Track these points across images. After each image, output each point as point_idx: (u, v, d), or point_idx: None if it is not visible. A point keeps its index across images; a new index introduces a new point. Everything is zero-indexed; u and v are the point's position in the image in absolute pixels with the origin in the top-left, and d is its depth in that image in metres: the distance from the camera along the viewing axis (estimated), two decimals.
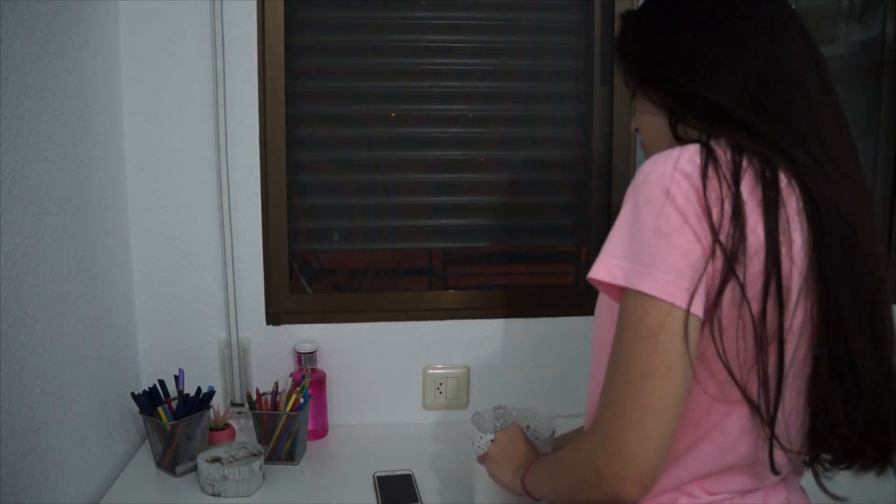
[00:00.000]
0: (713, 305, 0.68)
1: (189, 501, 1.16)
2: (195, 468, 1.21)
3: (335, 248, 1.53)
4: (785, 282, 0.68)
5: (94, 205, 1.22)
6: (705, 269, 0.67)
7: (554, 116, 1.52)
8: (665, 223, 0.67)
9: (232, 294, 1.42)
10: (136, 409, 1.28)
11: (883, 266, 0.74)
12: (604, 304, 0.80)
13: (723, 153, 0.69)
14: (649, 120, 0.84)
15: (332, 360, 1.47)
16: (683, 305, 0.66)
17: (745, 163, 0.69)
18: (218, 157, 1.38)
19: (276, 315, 1.46)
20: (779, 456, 0.74)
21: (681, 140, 0.77)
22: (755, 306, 0.68)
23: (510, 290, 1.54)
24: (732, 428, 0.73)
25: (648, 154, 0.85)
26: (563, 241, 1.58)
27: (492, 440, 0.99)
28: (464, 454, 1.34)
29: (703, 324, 0.68)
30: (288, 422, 1.27)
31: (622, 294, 0.70)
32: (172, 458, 1.23)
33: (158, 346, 1.43)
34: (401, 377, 1.50)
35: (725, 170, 0.68)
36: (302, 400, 1.29)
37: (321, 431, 1.43)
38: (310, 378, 1.37)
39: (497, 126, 1.51)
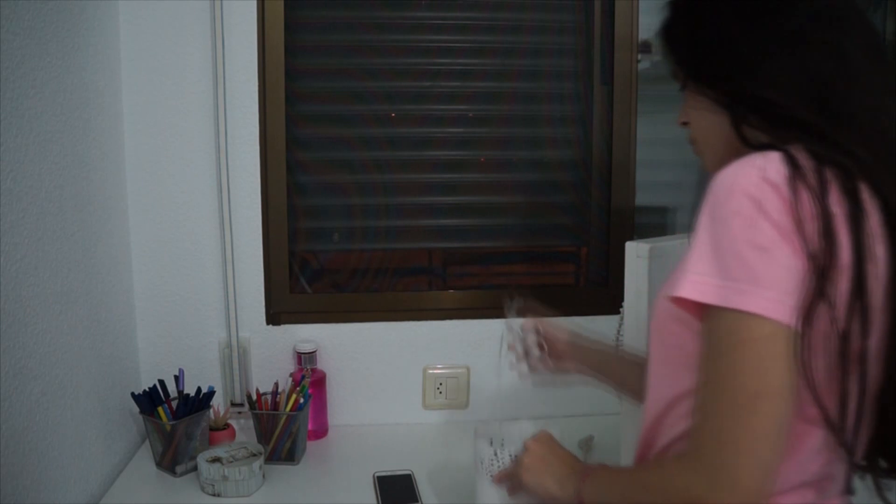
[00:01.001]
0: (804, 323, 0.63)
1: (189, 501, 1.16)
2: (195, 468, 1.21)
3: (335, 248, 1.53)
4: (871, 300, 0.64)
5: (94, 205, 1.22)
6: (803, 285, 0.63)
7: (554, 116, 1.53)
8: (761, 237, 0.62)
9: (232, 294, 1.42)
10: (136, 409, 1.28)
11: None
12: (670, 318, 0.74)
13: (805, 163, 0.65)
14: (704, 117, 0.77)
15: (332, 360, 1.47)
16: (789, 323, 0.62)
17: (828, 173, 0.65)
18: (218, 157, 1.38)
19: (276, 315, 1.46)
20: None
21: (747, 142, 0.71)
22: (842, 325, 0.64)
23: (510, 290, 1.54)
24: (809, 447, 0.69)
25: (702, 152, 0.81)
26: (563, 241, 1.58)
27: (511, 455, 0.94)
28: (464, 454, 1.34)
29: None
30: (288, 422, 1.27)
31: (709, 313, 0.65)
32: (172, 458, 1.23)
33: (158, 346, 1.43)
34: (401, 377, 1.50)
35: (813, 181, 0.63)
36: (302, 400, 1.29)
37: (321, 431, 1.43)
38: (310, 378, 1.37)
39: (497, 126, 1.51)
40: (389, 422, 1.50)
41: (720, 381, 0.64)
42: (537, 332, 1.11)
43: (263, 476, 1.21)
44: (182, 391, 1.31)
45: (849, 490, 0.71)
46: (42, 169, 1.02)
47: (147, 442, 1.32)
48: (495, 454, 0.98)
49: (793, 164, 0.65)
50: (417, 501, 1.16)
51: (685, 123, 0.82)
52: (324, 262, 1.54)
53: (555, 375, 1.11)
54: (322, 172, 1.48)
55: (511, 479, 0.92)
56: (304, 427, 1.33)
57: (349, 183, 1.49)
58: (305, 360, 1.41)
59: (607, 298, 1.49)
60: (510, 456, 0.96)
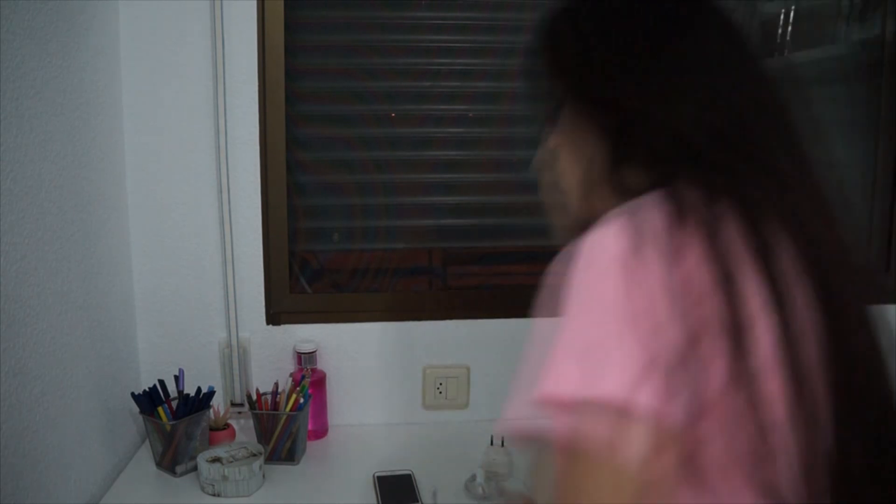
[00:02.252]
0: (707, 399, 0.53)
1: (189, 501, 1.16)
2: (195, 468, 1.21)
3: (335, 248, 1.52)
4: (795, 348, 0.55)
5: (94, 205, 1.22)
6: (689, 361, 0.52)
7: None
8: (627, 315, 0.53)
9: (232, 294, 1.42)
10: (136, 409, 1.28)
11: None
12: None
13: (693, 204, 0.55)
14: (575, 150, 0.66)
15: (332, 360, 1.47)
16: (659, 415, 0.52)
17: (722, 212, 0.55)
18: (218, 158, 1.38)
19: (276, 315, 1.46)
20: None
21: (619, 182, 0.61)
22: (763, 387, 0.54)
23: (510, 290, 1.54)
24: None
25: (565, 197, 0.70)
26: (563, 241, 1.58)
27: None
28: (464, 455, 1.34)
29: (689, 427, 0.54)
30: (288, 422, 1.27)
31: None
32: (172, 458, 1.23)
33: (158, 346, 1.43)
34: (401, 377, 1.50)
35: (701, 227, 0.54)
36: (302, 400, 1.29)
37: (321, 431, 1.42)
38: (310, 378, 1.37)
39: (497, 126, 1.51)
40: (389, 422, 1.50)
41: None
42: None
43: (263, 476, 1.21)
44: (182, 391, 1.31)
45: None
46: (42, 169, 1.02)
47: (147, 442, 1.32)
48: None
49: (679, 206, 0.55)
50: (417, 501, 1.16)
51: (540, 169, 0.72)
52: (324, 262, 1.54)
53: None
54: (322, 172, 1.48)
55: None
56: (304, 427, 1.32)
57: (349, 183, 1.49)
58: (305, 360, 1.41)
59: None
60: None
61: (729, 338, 0.52)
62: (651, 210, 0.56)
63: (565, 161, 0.69)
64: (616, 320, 0.53)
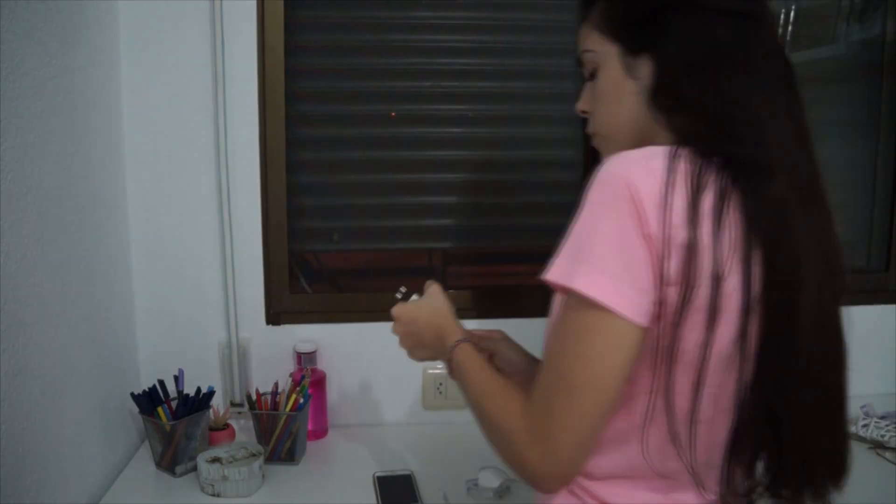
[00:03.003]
0: (668, 325, 0.66)
1: (189, 501, 1.16)
2: (195, 468, 1.21)
3: (335, 248, 1.52)
4: (723, 302, 0.65)
5: (94, 205, 1.22)
6: (657, 282, 0.65)
7: (554, 116, 1.52)
8: (620, 229, 0.65)
9: (232, 294, 1.42)
10: (135, 409, 1.28)
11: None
12: (557, 301, 0.77)
13: (690, 165, 0.66)
14: (622, 103, 0.77)
15: (332, 360, 1.47)
16: (632, 318, 0.65)
17: (708, 177, 0.66)
18: (218, 157, 1.38)
19: (276, 315, 1.46)
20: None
21: (671, 132, 0.73)
22: (700, 333, 0.66)
23: (510, 290, 1.54)
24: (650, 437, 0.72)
25: (605, 145, 0.81)
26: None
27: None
28: (464, 455, 1.34)
29: (646, 333, 0.67)
30: (288, 422, 1.27)
31: (567, 294, 0.69)
32: (172, 458, 1.23)
33: (158, 346, 1.43)
34: (401, 377, 1.50)
35: (690, 183, 0.65)
36: (302, 400, 1.29)
37: (321, 431, 1.42)
38: (310, 378, 1.37)
39: (497, 126, 1.51)
40: (389, 422, 1.50)
41: (557, 361, 0.69)
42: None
43: (263, 476, 1.21)
44: (182, 391, 1.31)
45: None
46: (42, 169, 1.02)
47: (147, 442, 1.32)
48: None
49: (675, 161, 0.66)
50: (417, 502, 1.16)
51: (584, 112, 0.84)
52: (324, 262, 1.54)
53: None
54: (322, 172, 1.48)
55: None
56: (304, 427, 1.32)
57: (349, 183, 1.49)
58: (305, 360, 1.41)
59: None
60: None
61: (688, 264, 0.64)
62: (658, 154, 0.67)
63: (605, 114, 0.80)
64: (606, 231, 0.65)
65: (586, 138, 0.85)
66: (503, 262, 1.56)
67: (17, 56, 0.95)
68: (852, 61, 1.63)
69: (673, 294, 0.65)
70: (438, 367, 1.50)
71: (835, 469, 0.74)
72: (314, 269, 1.53)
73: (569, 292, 0.68)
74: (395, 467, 1.26)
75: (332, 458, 1.35)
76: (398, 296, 1.03)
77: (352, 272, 1.54)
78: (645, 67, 0.74)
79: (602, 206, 0.66)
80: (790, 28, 1.58)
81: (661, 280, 0.65)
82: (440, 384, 1.50)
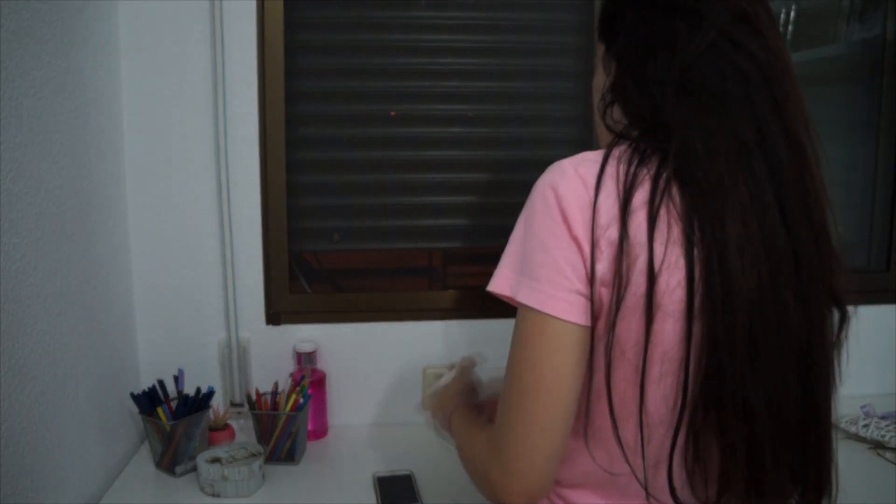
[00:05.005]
0: (604, 324, 0.66)
1: (189, 502, 1.16)
2: (195, 468, 1.21)
3: (335, 248, 1.52)
4: (662, 300, 0.64)
5: (94, 204, 1.22)
6: (588, 282, 0.66)
7: (554, 116, 1.52)
8: (550, 236, 0.67)
9: (232, 294, 1.42)
10: (135, 409, 1.28)
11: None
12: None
13: (622, 164, 0.67)
14: (597, 98, 0.80)
15: (332, 360, 1.47)
16: (571, 320, 0.66)
17: (643, 175, 0.66)
18: (218, 157, 1.38)
19: (276, 315, 1.46)
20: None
21: (608, 126, 0.76)
22: (621, 322, 0.65)
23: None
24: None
25: (598, 140, 0.84)
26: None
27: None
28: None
29: (590, 332, 0.67)
30: (288, 422, 1.27)
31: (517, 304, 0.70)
32: (172, 458, 1.23)
33: (158, 346, 1.43)
34: (401, 377, 1.50)
35: (620, 182, 0.66)
36: (302, 400, 1.29)
37: (321, 431, 1.42)
38: (309, 378, 1.37)
39: (497, 126, 1.51)
40: (389, 422, 1.50)
41: (509, 370, 0.69)
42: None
43: (263, 476, 1.21)
44: (181, 391, 1.31)
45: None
46: (42, 169, 1.02)
47: (146, 442, 1.32)
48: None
49: (606, 164, 0.67)
50: (417, 502, 1.16)
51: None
52: (324, 262, 1.54)
53: None
54: (322, 172, 1.48)
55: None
56: (304, 427, 1.32)
57: (349, 183, 1.49)
58: (305, 360, 1.41)
59: None
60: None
61: (617, 262, 0.65)
62: (587, 158, 0.69)
63: (594, 101, 0.82)
64: (539, 238, 0.68)
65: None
66: None
67: (17, 56, 0.95)
68: (852, 61, 1.63)
69: (606, 294, 0.65)
70: (439, 368, 1.49)
71: (804, 487, 0.70)
72: (314, 269, 1.53)
73: (514, 302, 0.70)
74: (395, 467, 1.26)
75: (332, 458, 1.34)
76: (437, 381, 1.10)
77: (352, 272, 1.54)
78: (613, 63, 0.77)
79: (533, 213, 0.69)
80: (790, 28, 1.58)
81: (592, 280, 0.65)
82: None
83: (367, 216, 1.50)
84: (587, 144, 1.53)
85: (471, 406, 0.93)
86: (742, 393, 0.65)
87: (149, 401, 1.25)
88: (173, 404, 1.27)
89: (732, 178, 0.64)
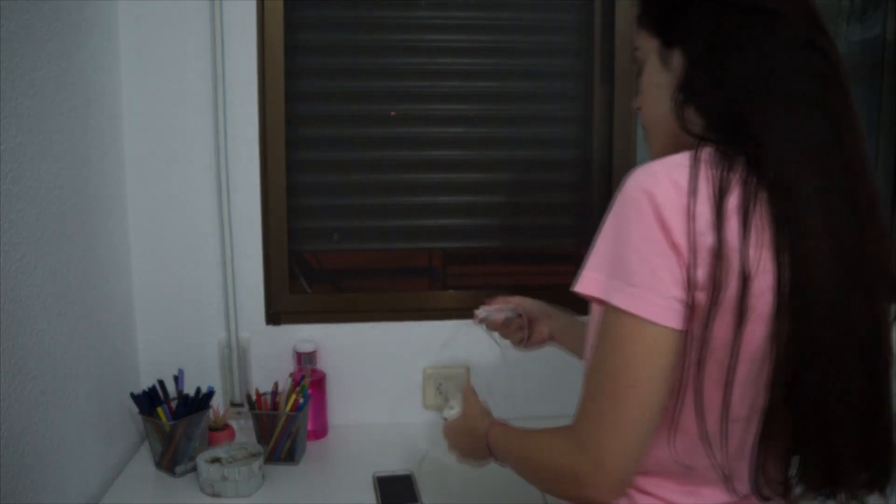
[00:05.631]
0: (699, 326, 0.68)
1: (189, 502, 1.16)
2: (195, 468, 1.21)
3: (335, 248, 1.52)
4: (753, 302, 0.66)
5: (94, 205, 1.22)
6: (686, 287, 0.67)
7: (554, 116, 1.52)
8: (650, 240, 0.67)
9: (232, 294, 1.42)
10: (135, 409, 1.28)
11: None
12: (596, 310, 0.79)
13: (712, 169, 0.67)
14: (658, 98, 0.78)
15: (332, 360, 1.47)
16: (667, 324, 0.66)
17: (733, 179, 0.67)
18: (218, 157, 1.38)
19: (276, 315, 1.46)
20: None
21: (685, 128, 0.73)
22: (715, 324, 0.67)
23: (510, 290, 1.54)
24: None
25: (649, 140, 0.83)
26: (563, 241, 1.58)
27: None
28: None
29: (684, 335, 0.68)
30: (288, 422, 1.27)
31: (602, 305, 0.70)
32: (172, 458, 1.23)
33: (158, 346, 1.43)
34: (401, 377, 1.50)
35: (713, 187, 0.66)
36: (302, 400, 1.29)
37: (321, 431, 1.42)
38: (310, 378, 1.37)
39: (497, 126, 1.51)
40: (389, 422, 1.50)
41: (598, 371, 0.70)
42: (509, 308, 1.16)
43: (263, 476, 1.21)
44: (182, 391, 1.31)
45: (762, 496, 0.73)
46: (42, 169, 1.02)
47: (146, 442, 1.32)
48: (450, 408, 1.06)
49: (696, 168, 0.67)
50: (417, 502, 1.16)
51: (639, 109, 0.84)
52: (324, 262, 1.53)
53: (534, 345, 1.18)
54: (322, 172, 1.48)
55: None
56: (304, 427, 1.32)
57: (349, 183, 1.49)
58: (305, 360, 1.41)
59: None
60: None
61: (715, 268, 0.65)
62: (679, 164, 0.68)
63: (648, 110, 0.82)
64: (635, 245, 0.67)
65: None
66: (503, 262, 1.56)
67: (17, 56, 0.95)
68: (852, 61, 1.63)
69: (702, 297, 0.66)
70: (439, 368, 1.49)
71: (873, 473, 0.73)
72: (314, 269, 1.53)
73: (604, 304, 0.70)
74: (395, 467, 1.26)
75: (332, 458, 1.34)
76: (444, 416, 1.07)
77: (352, 272, 1.54)
78: (677, 60, 0.76)
79: (628, 220, 0.68)
80: None
81: (690, 285, 0.66)
82: (440, 384, 1.50)
83: (367, 216, 1.50)
84: (587, 144, 1.53)
85: (500, 421, 0.92)
86: (820, 389, 0.68)
87: (149, 401, 1.25)
88: (173, 404, 1.27)
89: (815, 181, 0.67)
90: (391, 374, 1.49)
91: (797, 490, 0.73)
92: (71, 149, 1.12)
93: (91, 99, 1.21)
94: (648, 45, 0.79)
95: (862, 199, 0.69)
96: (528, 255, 1.56)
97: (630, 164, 1.51)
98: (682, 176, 0.67)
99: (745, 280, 0.65)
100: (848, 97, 0.71)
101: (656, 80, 0.78)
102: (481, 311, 1.14)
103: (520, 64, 1.50)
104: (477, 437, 0.94)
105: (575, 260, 1.62)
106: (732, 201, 0.66)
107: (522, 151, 1.52)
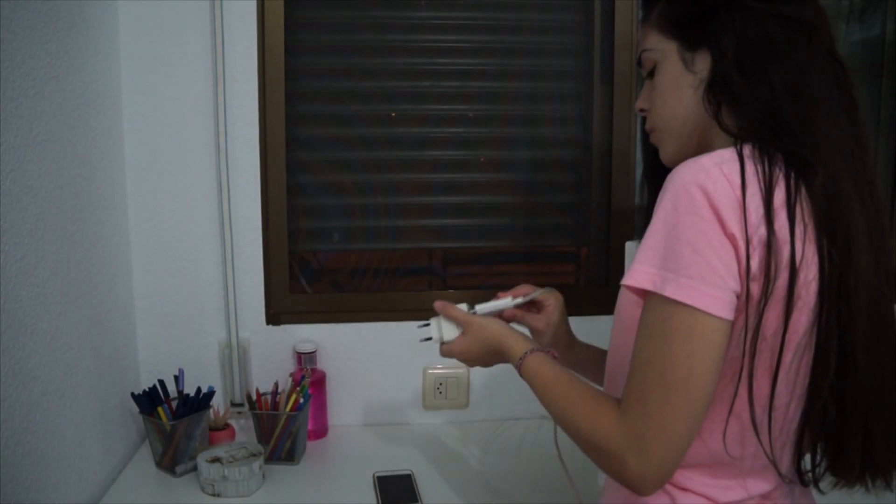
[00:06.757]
0: (751, 318, 0.70)
1: (189, 501, 1.16)
2: (195, 468, 1.21)
3: (335, 248, 1.52)
4: (801, 292, 0.69)
5: (94, 205, 1.22)
6: (741, 279, 0.68)
7: (554, 116, 1.52)
8: (705, 233, 0.68)
9: (232, 294, 1.42)
10: (135, 409, 1.28)
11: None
12: (630, 301, 0.78)
13: (758, 164, 0.70)
14: (680, 98, 0.80)
15: (332, 360, 1.47)
16: (720, 315, 0.67)
17: (777, 175, 0.70)
18: (218, 157, 1.38)
19: (276, 315, 1.46)
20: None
21: (723, 126, 0.75)
22: (769, 315, 0.69)
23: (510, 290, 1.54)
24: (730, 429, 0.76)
25: (662, 140, 0.84)
26: (563, 241, 1.58)
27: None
28: (464, 454, 1.34)
29: (731, 326, 0.70)
30: (288, 422, 1.27)
31: (649, 297, 0.71)
32: (172, 458, 1.23)
33: (158, 346, 1.43)
34: (401, 377, 1.50)
35: (761, 182, 0.69)
36: (302, 400, 1.29)
37: (321, 431, 1.42)
38: (310, 378, 1.37)
39: (497, 126, 1.51)
40: (389, 422, 1.50)
41: (649, 362, 0.70)
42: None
43: (263, 476, 1.21)
44: (182, 391, 1.31)
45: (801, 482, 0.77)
46: (42, 169, 1.02)
47: (147, 442, 1.32)
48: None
49: (743, 163, 0.69)
50: (417, 501, 1.16)
51: (643, 110, 0.86)
52: (324, 262, 1.54)
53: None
54: (322, 172, 1.48)
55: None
56: (304, 427, 1.32)
57: (349, 183, 1.49)
58: (305, 360, 1.41)
59: (607, 298, 1.49)
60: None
61: (768, 259, 0.67)
62: (727, 159, 0.70)
63: (663, 110, 0.82)
64: (689, 238, 0.68)
65: (645, 136, 0.89)
66: (503, 262, 1.56)
67: (17, 56, 0.95)
68: (852, 61, 1.62)
69: (756, 287, 0.68)
70: (438, 368, 1.50)
71: None
72: (314, 269, 1.53)
73: (651, 296, 0.71)
74: (395, 467, 1.26)
75: (332, 458, 1.35)
76: (444, 340, 1.05)
77: (352, 272, 1.54)
78: (702, 61, 0.78)
79: (681, 213, 0.69)
80: None
81: (745, 276, 0.68)
82: (440, 384, 1.50)
83: (367, 216, 1.50)
84: (587, 144, 1.53)
85: (547, 357, 0.90)
86: (860, 377, 0.72)
87: (149, 400, 1.25)
88: (173, 404, 1.27)
89: (851, 178, 0.71)
90: (391, 374, 1.49)
91: (832, 477, 0.77)
92: (71, 149, 1.12)
93: (91, 99, 1.21)
94: (665, 47, 0.81)
95: (881, 197, 0.75)
96: (528, 255, 1.56)
97: (630, 165, 1.51)
98: (733, 170, 0.69)
99: (793, 271, 0.68)
100: (858, 102, 0.76)
101: (679, 82, 0.80)
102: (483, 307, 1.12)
103: (520, 64, 1.50)
104: (503, 359, 0.95)
105: (575, 260, 1.62)
106: (779, 195, 0.69)
107: (522, 151, 1.52)
